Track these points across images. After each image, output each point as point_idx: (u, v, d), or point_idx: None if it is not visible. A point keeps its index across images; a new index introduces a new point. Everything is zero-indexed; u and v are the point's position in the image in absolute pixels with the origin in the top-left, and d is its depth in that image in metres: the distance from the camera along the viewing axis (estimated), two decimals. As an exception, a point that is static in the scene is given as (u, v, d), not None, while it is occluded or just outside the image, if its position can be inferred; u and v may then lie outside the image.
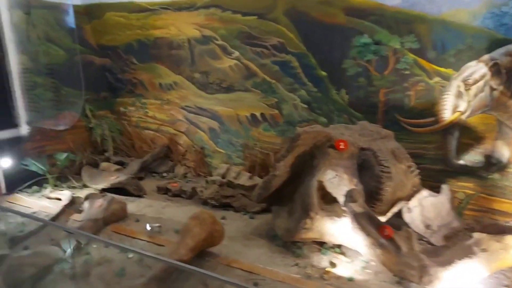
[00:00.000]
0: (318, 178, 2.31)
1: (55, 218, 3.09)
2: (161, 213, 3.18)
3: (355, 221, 2.14)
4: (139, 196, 3.47)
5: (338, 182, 2.30)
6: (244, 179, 3.15)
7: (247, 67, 3.36)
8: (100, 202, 3.02)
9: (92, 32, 4.11)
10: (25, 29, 3.62)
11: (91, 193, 3.27)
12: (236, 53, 3.38)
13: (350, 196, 2.15)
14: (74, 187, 3.71)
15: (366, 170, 2.29)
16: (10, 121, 3.77)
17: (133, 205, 3.27)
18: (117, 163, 4.09)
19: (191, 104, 3.82)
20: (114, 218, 2.96)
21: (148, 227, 2.74)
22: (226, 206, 3.14)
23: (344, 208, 2.25)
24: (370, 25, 2.81)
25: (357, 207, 2.14)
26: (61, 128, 3.95)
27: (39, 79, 3.82)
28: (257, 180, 3.15)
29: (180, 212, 3.17)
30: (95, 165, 4.05)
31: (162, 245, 2.63)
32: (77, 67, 3.99)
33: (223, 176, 3.18)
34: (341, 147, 2.29)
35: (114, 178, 3.63)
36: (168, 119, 4.02)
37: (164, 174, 3.96)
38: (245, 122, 3.53)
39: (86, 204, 3.08)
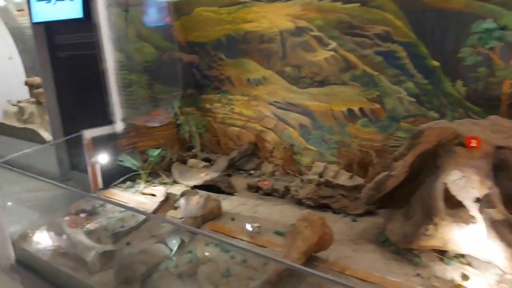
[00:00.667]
0: (443, 180, 2.08)
1: (153, 213, 3.13)
2: (255, 212, 3.09)
3: (494, 230, 1.89)
4: (230, 194, 3.42)
5: (464, 184, 2.05)
6: (344, 179, 2.97)
7: (345, 58, 3.17)
8: (196, 200, 2.99)
9: (181, 29, 4.12)
10: (122, 26, 3.71)
11: (186, 190, 3.26)
12: (333, 44, 3.19)
13: (487, 201, 1.90)
14: (165, 183, 3.75)
15: (503, 171, 2.02)
16: (106, 118, 3.91)
17: (226, 203, 3.21)
18: (204, 159, 4.08)
19: (280, 100, 3.69)
20: (211, 216, 2.92)
21: (250, 227, 2.65)
22: (323, 207, 2.98)
23: (472, 214, 2.01)
24: (495, 8, 2.49)
25: (496, 214, 1.88)
26: (155, 124, 4.01)
27: (134, 76, 3.91)
28: (359, 180, 2.96)
29: (275, 212, 3.06)
30: (183, 162, 4.08)
31: (265, 247, 2.53)
32: (169, 64, 4.04)
33: (321, 175, 3.02)
34: (472, 145, 2.03)
35: (204, 175, 3.61)
36: (255, 115, 3.93)
37: (252, 172, 3.88)
38: (341, 117, 3.34)
39: (182, 201, 3.08)
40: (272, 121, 3.82)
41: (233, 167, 3.94)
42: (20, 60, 6.35)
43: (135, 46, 3.88)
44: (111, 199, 3.34)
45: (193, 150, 4.22)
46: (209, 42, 4.04)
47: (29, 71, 6.31)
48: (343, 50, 3.17)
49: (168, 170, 3.98)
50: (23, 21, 5.68)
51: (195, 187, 3.52)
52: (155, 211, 3.14)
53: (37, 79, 5.24)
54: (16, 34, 6.11)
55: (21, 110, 5.55)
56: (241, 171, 3.93)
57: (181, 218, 2.83)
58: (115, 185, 3.78)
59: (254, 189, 3.44)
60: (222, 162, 3.87)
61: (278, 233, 2.66)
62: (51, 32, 4.51)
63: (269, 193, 3.34)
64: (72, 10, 3.77)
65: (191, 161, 4.04)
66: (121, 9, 3.58)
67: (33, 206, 3.81)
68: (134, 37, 3.87)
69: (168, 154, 4.01)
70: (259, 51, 3.65)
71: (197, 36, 4.10)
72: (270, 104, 3.77)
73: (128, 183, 3.81)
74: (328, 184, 2.96)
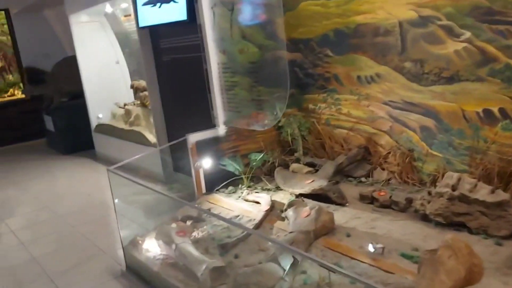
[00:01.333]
0: None
1: (259, 225, 2.96)
2: (372, 227, 2.76)
3: None
4: (341, 205, 3.12)
5: None
6: (484, 193, 2.50)
7: (482, 50, 2.68)
8: (307, 212, 2.75)
9: (284, 26, 3.90)
10: (226, 26, 3.60)
11: (294, 199, 3.04)
12: (467, 34, 2.72)
13: None
14: (268, 189, 3.58)
15: None
16: (208, 121, 3.86)
17: (337, 215, 2.92)
18: (308, 164, 3.83)
19: (397, 99, 3.29)
20: (323, 231, 2.65)
21: (372, 248, 2.34)
22: (456, 226, 2.55)
23: None
24: None
25: None
26: (257, 128, 3.86)
27: (237, 78, 3.79)
28: (502, 195, 2.47)
29: (396, 228, 2.69)
30: (285, 166, 3.87)
31: (391, 273, 2.20)
32: (272, 64, 3.86)
33: (454, 188, 2.59)
34: None
35: (309, 182, 3.36)
36: (366, 116, 3.58)
37: (362, 179, 3.53)
38: (474, 119, 2.85)
39: (290, 213, 2.86)
40: (386, 122, 3.43)
41: (341, 174, 3.63)
42: (125, 64, 6.67)
43: (238, 47, 3.75)
44: (215, 213, 3.23)
45: (296, 154, 3.99)
46: (314, 38, 3.77)
47: (133, 74, 6.60)
48: (480, 40, 2.69)
49: (269, 175, 3.81)
50: (129, 26, 5.92)
51: (300, 195, 3.29)
52: (261, 221, 2.96)
53: (142, 83, 5.41)
54: (122, 39, 6.42)
55: (127, 113, 5.80)
56: (350, 178, 3.60)
57: (290, 232, 2.60)
58: (217, 190, 3.70)
59: (368, 199, 3.10)
60: (328, 167, 3.58)
61: (405, 255, 2.32)
62: (155, 36, 4.58)
63: (387, 205, 2.98)
64: (177, 12, 3.75)
65: (294, 166, 3.82)
66: (227, 8, 3.46)
67: (141, 209, 3.89)
68: (238, 37, 3.74)
69: (270, 158, 3.83)
70: (373, 46, 3.29)
71: (301, 33, 3.85)
72: (385, 103, 3.39)
73: (231, 187, 3.71)
74: (463, 198, 2.52)
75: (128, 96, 6.73)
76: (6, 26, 9.18)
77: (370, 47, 3.31)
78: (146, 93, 5.25)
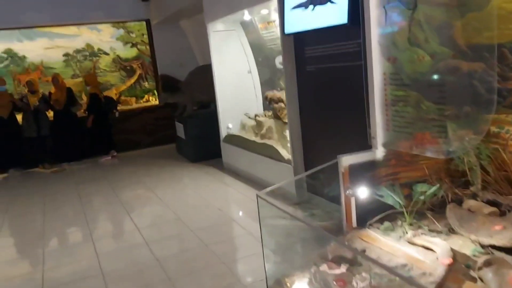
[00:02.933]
0: None
1: (441, 284, 2.31)
2: None
3: None
4: (554, 267, 2.31)
5: None
6: None
7: None
8: (518, 277, 2.03)
9: (464, 29, 3.17)
10: (402, 29, 3.04)
11: (492, 257, 2.33)
12: None
13: None
14: (437, 231, 2.89)
15: None
16: (357, 142, 3.32)
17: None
18: (489, 203, 3.03)
19: None
20: (547, 310, 1.91)
21: None
22: None
23: None
24: None
25: None
26: (423, 152, 3.21)
27: (401, 91, 3.19)
28: None
29: None
30: (458, 202, 3.12)
31: None
32: (444, 76, 3.18)
33: None
34: None
35: (500, 229, 2.59)
36: None
37: None
38: None
39: (489, 274, 2.15)
40: None
41: (540, 220, 2.78)
42: (257, 73, 6.47)
43: (408, 54, 3.15)
44: (376, 260, 2.64)
45: (472, 188, 3.21)
46: (507, 43, 2.98)
47: (264, 85, 6.37)
48: None
49: (433, 210, 3.12)
50: (266, 34, 5.67)
51: (490, 247, 2.54)
52: (443, 280, 2.30)
53: (277, 94, 5.09)
54: (256, 47, 6.22)
55: (259, 124, 5.54)
56: (555, 228, 2.74)
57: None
58: (370, 225, 3.13)
59: None
60: (523, 211, 2.76)
61: None
62: (300, 43, 4.20)
63: None
64: (335, 15, 3.29)
65: (471, 204, 3.05)
66: (406, 7, 2.89)
67: (281, 237, 3.49)
68: (406, 43, 3.14)
69: (439, 191, 3.13)
70: None
71: (488, 38, 3.08)
72: None
73: (386, 223, 3.09)
74: None
75: (258, 107, 6.53)
76: (146, 36, 9.80)
77: None
78: (281, 104, 4.91)
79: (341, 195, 3.13)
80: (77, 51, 9.47)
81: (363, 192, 3.10)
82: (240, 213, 4.62)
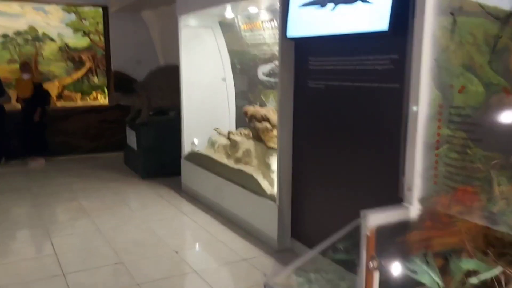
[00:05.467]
0: None
1: None
2: None
3: None
4: None
5: None
6: None
7: None
8: None
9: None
10: (448, 47, 2.30)
11: None
12: None
13: None
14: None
15: None
16: (387, 192, 2.54)
17: None
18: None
19: None
20: None
21: None
22: None
23: None
24: None
25: None
26: (462, 214, 2.46)
27: (445, 129, 2.44)
28: None
29: None
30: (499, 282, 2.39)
31: None
32: (497, 113, 2.48)
33: None
34: None
35: None
36: None
37: None
38: None
39: None
40: None
41: None
42: (232, 82, 5.60)
43: (459, 81, 2.41)
44: None
45: (526, 267, 2.51)
46: None
47: (240, 97, 5.51)
48: None
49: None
50: (250, 37, 4.82)
51: None
52: None
53: (260, 110, 4.24)
54: (235, 51, 5.36)
55: (233, 145, 4.64)
56: None
57: None
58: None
59: None
60: None
61: None
62: (303, 51, 3.38)
63: None
64: (368, 18, 2.50)
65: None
66: (490, 18, 2.14)
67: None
68: (460, 66, 2.41)
69: (489, 269, 2.39)
70: None
71: None
72: None
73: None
74: None
75: (230, 122, 5.64)
76: (101, 25, 8.66)
77: None
78: (266, 125, 4.05)
79: (361, 266, 2.30)
80: (18, 33, 8.16)
81: (392, 264, 2.29)
82: (204, 261, 3.67)
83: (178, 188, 5.53)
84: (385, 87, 2.63)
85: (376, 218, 2.22)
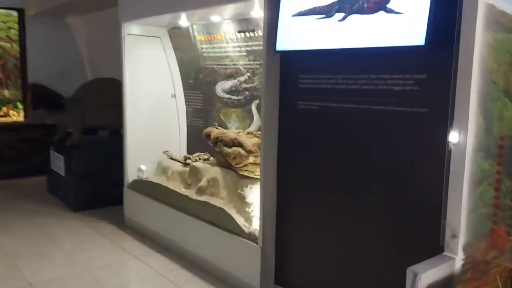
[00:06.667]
0: None
1: None
2: None
3: None
4: None
5: None
6: None
7: None
8: None
9: None
10: (492, 68, 1.97)
11: None
12: None
13: None
14: None
15: None
16: (432, 240, 2.13)
17: None
18: None
19: None
20: None
21: None
22: None
23: None
24: None
25: None
26: (498, 258, 2.13)
27: (485, 163, 2.11)
28: None
29: None
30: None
31: None
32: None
33: None
34: None
35: None
36: None
37: None
38: None
39: None
40: None
41: None
42: (183, 100, 4.98)
43: (497, 107, 2.11)
44: None
45: None
46: None
47: (192, 116, 4.91)
48: None
49: None
50: (208, 49, 4.28)
51: None
52: None
53: (229, 134, 3.69)
54: (188, 65, 4.78)
55: (194, 172, 4.01)
56: None
57: None
58: None
59: None
60: None
61: None
62: (292, 67, 2.93)
63: None
64: (400, 32, 2.10)
65: None
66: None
67: None
68: (499, 90, 2.10)
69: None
70: None
71: None
72: None
73: None
74: None
75: (180, 144, 4.99)
76: (14, 30, 7.49)
77: None
78: (240, 150, 3.51)
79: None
80: None
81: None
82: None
83: (120, 222, 4.72)
84: (407, 111, 2.25)
85: (428, 277, 1.80)
